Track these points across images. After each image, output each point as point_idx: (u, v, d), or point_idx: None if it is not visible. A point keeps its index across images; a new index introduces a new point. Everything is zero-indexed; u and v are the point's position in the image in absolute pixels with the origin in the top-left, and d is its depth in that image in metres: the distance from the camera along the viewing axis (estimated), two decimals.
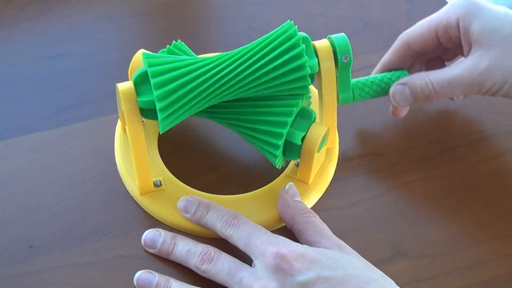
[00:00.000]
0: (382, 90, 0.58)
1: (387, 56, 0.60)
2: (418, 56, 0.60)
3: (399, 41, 0.59)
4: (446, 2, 0.61)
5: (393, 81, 0.58)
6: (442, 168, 0.59)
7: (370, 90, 0.58)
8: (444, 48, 0.59)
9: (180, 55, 0.55)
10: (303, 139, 0.52)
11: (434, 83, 0.55)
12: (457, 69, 0.54)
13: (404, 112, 0.60)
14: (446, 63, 0.62)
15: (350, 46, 0.54)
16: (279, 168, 0.55)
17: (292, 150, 0.53)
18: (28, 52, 0.66)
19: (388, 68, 0.60)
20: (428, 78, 0.55)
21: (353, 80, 0.57)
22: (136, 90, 0.50)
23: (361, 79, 0.58)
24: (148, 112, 0.50)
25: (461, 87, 0.54)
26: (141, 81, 0.50)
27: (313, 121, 0.53)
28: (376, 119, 0.62)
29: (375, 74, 0.59)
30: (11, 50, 0.66)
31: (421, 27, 0.58)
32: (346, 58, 0.54)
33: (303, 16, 0.70)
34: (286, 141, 0.52)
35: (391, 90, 0.57)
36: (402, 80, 0.57)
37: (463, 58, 0.57)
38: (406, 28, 0.60)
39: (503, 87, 0.54)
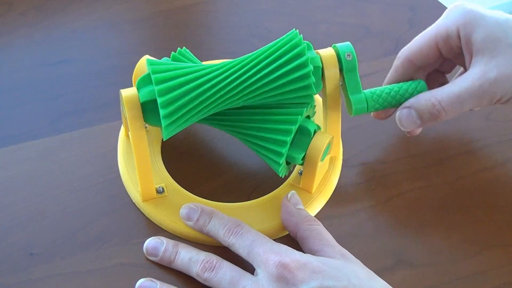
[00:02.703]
0: (398, 102, 0.56)
1: (391, 75, 0.58)
2: (419, 70, 0.58)
3: (400, 59, 0.58)
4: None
5: (409, 92, 0.56)
6: (444, 176, 0.59)
7: (385, 102, 0.56)
8: (443, 59, 0.58)
9: (184, 62, 0.55)
10: (304, 157, 0.52)
11: (442, 102, 0.53)
12: (464, 82, 0.52)
13: (418, 130, 0.59)
14: (446, 75, 0.60)
15: (355, 55, 0.54)
16: (282, 177, 0.54)
17: (300, 145, 0.52)
18: (29, 58, 0.66)
19: (399, 74, 0.58)
20: (434, 98, 0.53)
21: (367, 91, 0.56)
22: (144, 112, 0.50)
23: (377, 89, 0.56)
24: (151, 114, 0.50)
25: (471, 101, 0.52)
26: (144, 83, 0.50)
27: (313, 137, 0.52)
28: (379, 127, 0.62)
29: (389, 85, 0.57)
30: (12, 56, 0.66)
31: (420, 41, 0.57)
32: (349, 56, 0.53)
33: (305, 23, 0.70)
34: (299, 128, 0.52)
35: (397, 115, 0.55)
36: (406, 103, 0.55)
37: (462, 69, 0.56)
38: (408, 35, 0.60)
39: None
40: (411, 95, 0.56)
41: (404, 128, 0.55)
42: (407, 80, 0.58)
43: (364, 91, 0.55)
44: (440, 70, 0.60)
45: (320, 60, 0.53)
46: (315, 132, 0.53)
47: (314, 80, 0.51)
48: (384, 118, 0.59)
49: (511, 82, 0.52)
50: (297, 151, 0.52)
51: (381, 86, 0.58)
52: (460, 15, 0.54)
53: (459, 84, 0.53)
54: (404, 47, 0.58)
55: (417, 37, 0.57)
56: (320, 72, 0.53)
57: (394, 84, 0.57)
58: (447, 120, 0.62)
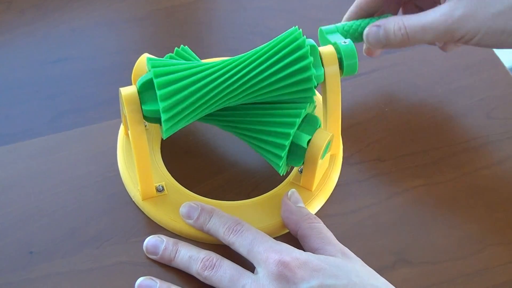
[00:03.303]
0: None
1: None
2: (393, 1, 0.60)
3: None
4: None
5: None
6: (445, 174, 0.58)
7: (356, 34, 0.58)
8: None
9: (185, 60, 0.54)
10: (308, 143, 0.52)
11: (407, 27, 0.55)
12: (432, 15, 0.55)
13: (377, 53, 0.61)
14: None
15: (356, 52, 0.54)
16: (282, 175, 0.54)
17: (297, 154, 0.52)
18: (29, 56, 0.65)
19: (363, 9, 0.60)
20: (402, 22, 0.56)
21: (339, 25, 0.58)
22: (140, 97, 0.49)
23: (347, 23, 0.59)
24: (151, 118, 0.50)
25: (433, 33, 0.55)
26: (146, 88, 0.49)
27: (318, 127, 0.52)
28: (379, 125, 0.61)
29: (356, 19, 0.60)
30: (11, 54, 0.66)
31: None
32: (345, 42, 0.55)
33: (305, 21, 0.70)
34: (292, 143, 0.52)
35: (366, 30, 0.58)
36: (377, 22, 0.57)
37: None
38: None
39: (475, 36, 0.54)
40: None
41: (369, 44, 0.58)
42: (377, 5, 0.60)
43: (336, 25, 0.58)
44: (418, 6, 0.61)
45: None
46: (319, 125, 0.53)
47: (315, 84, 0.51)
48: (377, 55, 0.62)
49: (474, 23, 0.53)
50: (304, 134, 0.52)
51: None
52: None
53: (427, 15, 0.55)
54: None
55: None
56: (317, 52, 0.53)
57: (363, 19, 0.59)
58: (447, 117, 0.62)
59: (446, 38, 0.55)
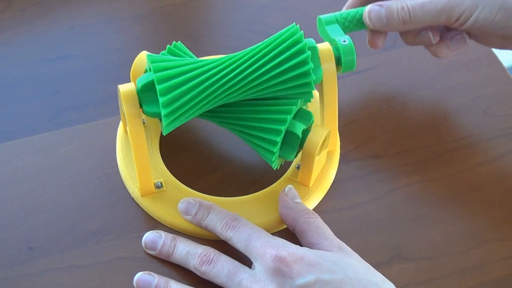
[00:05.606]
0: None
1: None
2: None
3: None
4: None
5: None
6: (441, 171, 0.59)
7: (354, 20, 0.58)
8: None
9: (181, 55, 0.55)
10: (303, 132, 0.52)
11: (409, 7, 0.56)
12: None
13: (380, 43, 0.60)
14: None
15: (354, 48, 0.54)
16: (275, 169, 0.54)
17: (290, 145, 0.52)
18: (29, 54, 0.66)
19: (355, 5, 0.61)
20: (405, 2, 0.57)
21: (337, 13, 0.59)
22: (141, 98, 0.50)
23: (346, 11, 0.59)
24: (149, 103, 0.50)
25: (432, 13, 0.56)
26: (147, 89, 0.50)
27: (312, 122, 0.53)
28: (376, 122, 0.62)
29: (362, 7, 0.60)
30: (11, 52, 0.66)
31: None
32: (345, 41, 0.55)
33: (303, 18, 0.70)
34: (286, 132, 0.52)
35: (367, 8, 0.58)
36: (379, 2, 0.58)
37: None
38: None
39: (472, 14, 0.55)
40: None
41: (370, 22, 0.58)
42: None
43: (335, 13, 0.59)
44: None
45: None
46: (313, 120, 0.53)
47: (314, 77, 0.51)
48: (380, 47, 0.61)
49: (469, 2, 0.54)
50: (299, 122, 0.52)
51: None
52: None
53: None
54: None
55: None
56: (317, 53, 0.53)
57: (363, 6, 0.59)
58: (444, 114, 0.62)
59: (444, 18, 0.56)
